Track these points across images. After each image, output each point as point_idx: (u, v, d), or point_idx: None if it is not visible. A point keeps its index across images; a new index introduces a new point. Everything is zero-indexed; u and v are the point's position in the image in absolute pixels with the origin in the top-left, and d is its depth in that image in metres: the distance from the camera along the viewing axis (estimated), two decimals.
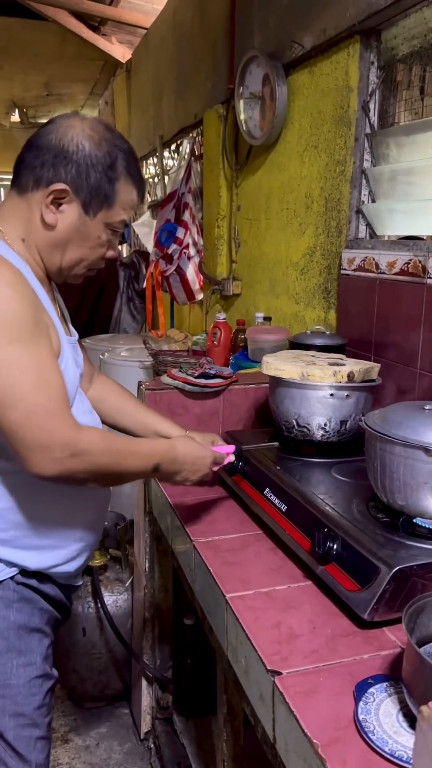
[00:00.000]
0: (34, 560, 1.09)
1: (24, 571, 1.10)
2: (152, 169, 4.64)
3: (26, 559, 1.09)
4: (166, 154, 4.03)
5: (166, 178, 3.97)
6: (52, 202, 1.05)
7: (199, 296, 3.44)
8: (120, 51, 4.84)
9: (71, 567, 1.15)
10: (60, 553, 1.12)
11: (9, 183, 1.13)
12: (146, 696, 1.90)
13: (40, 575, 1.12)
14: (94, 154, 1.05)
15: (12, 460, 0.99)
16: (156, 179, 4.41)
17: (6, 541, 1.07)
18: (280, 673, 0.87)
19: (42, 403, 0.94)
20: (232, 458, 1.36)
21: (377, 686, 0.84)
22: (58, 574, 1.14)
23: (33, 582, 1.11)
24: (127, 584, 2.00)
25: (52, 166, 1.04)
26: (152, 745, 1.88)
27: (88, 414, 1.16)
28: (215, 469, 1.27)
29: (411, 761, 0.72)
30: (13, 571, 1.08)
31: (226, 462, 1.33)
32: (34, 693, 1.09)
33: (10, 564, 1.08)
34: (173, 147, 3.89)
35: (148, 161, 4.69)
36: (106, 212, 1.09)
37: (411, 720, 0.79)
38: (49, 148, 1.04)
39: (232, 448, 1.34)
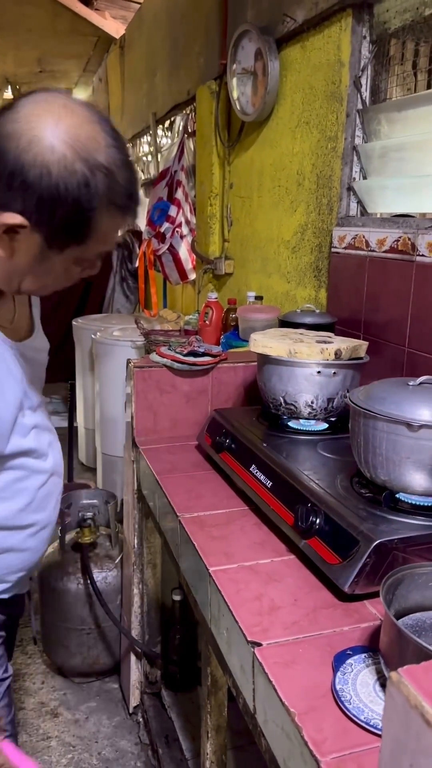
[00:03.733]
0: None
1: None
2: (146, 147, 4.59)
3: None
4: (159, 131, 3.98)
5: (159, 155, 3.93)
6: (5, 232, 0.83)
7: (192, 276, 3.42)
8: (113, 26, 4.76)
9: (6, 595, 1.09)
10: None
11: None
12: (135, 671, 1.92)
13: None
14: (63, 184, 0.79)
15: None
16: (149, 157, 4.36)
17: None
18: (260, 644, 0.88)
19: None
20: None
21: (355, 657, 0.85)
22: None
23: None
24: (116, 561, 2.01)
25: (7, 186, 0.79)
26: (141, 719, 1.90)
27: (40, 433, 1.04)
28: None
29: None
30: None
31: None
32: None
33: None
34: (166, 124, 3.85)
35: (142, 139, 4.64)
36: (76, 248, 0.86)
37: None
38: (7, 161, 0.79)
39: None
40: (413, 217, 1.59)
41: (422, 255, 1.44)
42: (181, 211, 3.27)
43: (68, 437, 3.19)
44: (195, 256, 3.30)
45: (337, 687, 0.80)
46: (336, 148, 1.83)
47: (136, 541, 1.80)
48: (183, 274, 3.40)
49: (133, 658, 1.91)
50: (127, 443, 1.73)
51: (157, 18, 3.73)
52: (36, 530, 1.07)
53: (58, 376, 4.30)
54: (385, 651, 0.78)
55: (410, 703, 0.50)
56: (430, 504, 1.03)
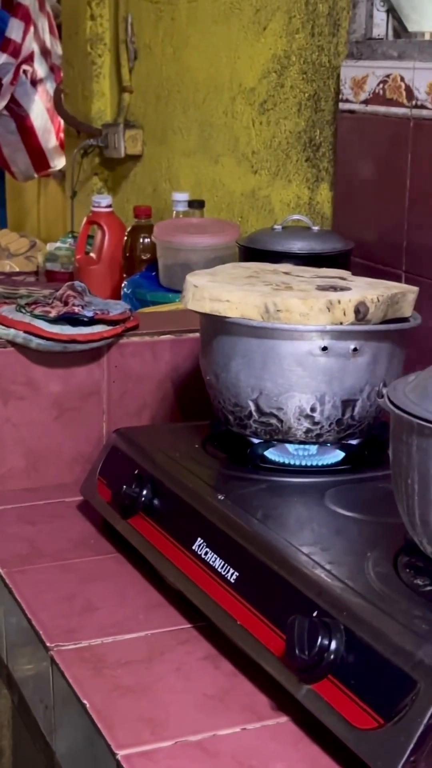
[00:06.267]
0: None
1: None
2: None
3: None
4: None
5: None
6: None
7: (58, 162, 3.41)
8: None
9: None
10: None
11: None
12: None
13: None
14: None
15: None
16: None
17: None
18: None
19: None
20: None
21: None
22: None
23: None
24: None
25: None
26: None
27: None
28: None
29: None
30: None
31: None
32: None
33: None
34: None
35: None
36: None
37: None
38: None
39: None
40: None
41: None
42: (31, 29, 3.28)
43: None
44: (62, 123, 3.27)
45: None
46: None
47: None
48: (39, 159, 3.43)
49: None
50: None
51: None
52: None
53: None
54: None
55: None
56: None
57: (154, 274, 2.27)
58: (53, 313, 1.69)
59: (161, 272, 2.23)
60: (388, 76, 1.74)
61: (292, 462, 1.44)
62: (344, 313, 1.40)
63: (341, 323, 1.40)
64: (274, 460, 1.45)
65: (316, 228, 1.85)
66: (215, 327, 1.46)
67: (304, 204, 2.06)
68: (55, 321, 1.68)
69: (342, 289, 1.45)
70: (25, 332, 1.66)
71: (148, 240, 2.36)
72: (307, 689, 1.06)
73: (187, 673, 1.20)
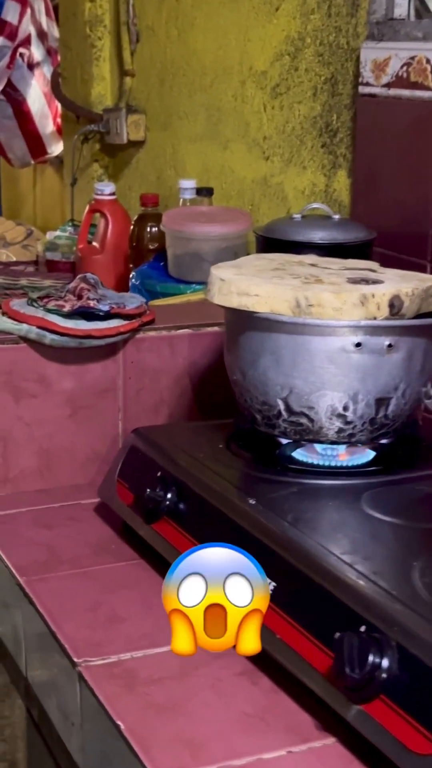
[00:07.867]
0: None
1: None
2: None
3: None
4: None
5: None
6: None
7: (56, 147, 3.45)
8: None
9: None
10: None
11: None
12: None
13: None
14: None
15: None
16: None
17: None
18: None
19: None
20: None
21: None
22: None
23: None
24: None
25: None
26: None
27: None
28: None
29: None
30: None
31: None
32: None
33: None
34: None
35: None
36: None
37: None
38: None
39: None
40: None
41: None
42: (28, 11, 3.31)
43: None
44: (60, 108, 3.29)
45: None
46: None
47: None
48: (36, 145, 3.46)
49: None
50: None
51: None
52: None
53: None
54: None
55: None
56: None
57: (162, 264, 2.26)
58: (67, 308, 1.68)
59: (170, 262, 2.21)
60: (412, 58, 1.73)
61: (323, 463, 1.44)
62: (378, 308, 1.38)
63: (375, 318, 1.38)
64: (304, 461, 1.44)
65: (336, 217, 1.84)
66: (242, 322, 1.44)
67: (320, 192, 2.06)
68: (70, 315, 1.67)
69: (374, 281, 1.44)
70: (39, 327, 1.65)
71: (156, 229, 2.35)
72: (358, 710, 1.04)
73: (223, 690, 1.17)
